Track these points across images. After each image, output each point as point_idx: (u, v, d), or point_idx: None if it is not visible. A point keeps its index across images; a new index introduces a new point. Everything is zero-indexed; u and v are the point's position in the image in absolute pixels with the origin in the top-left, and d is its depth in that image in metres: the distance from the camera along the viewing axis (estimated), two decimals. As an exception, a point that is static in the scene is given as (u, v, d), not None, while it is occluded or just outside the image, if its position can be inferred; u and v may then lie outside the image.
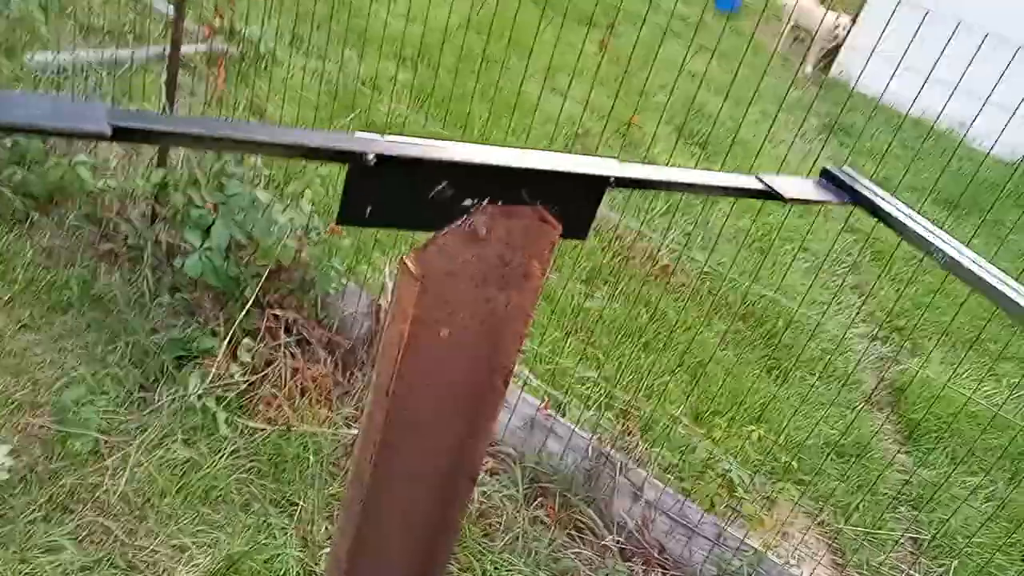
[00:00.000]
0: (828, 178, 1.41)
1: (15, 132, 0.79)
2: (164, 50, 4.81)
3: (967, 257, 1.20)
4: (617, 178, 1.15)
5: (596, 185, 1.16)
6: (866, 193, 1.35)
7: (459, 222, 1.07)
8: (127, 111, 0.95)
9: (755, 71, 7.85)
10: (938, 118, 3.28)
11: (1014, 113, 2.70)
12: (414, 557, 1.39)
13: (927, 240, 1.24)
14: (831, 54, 10.45)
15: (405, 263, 1.08)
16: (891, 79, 2.81)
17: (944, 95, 2.88)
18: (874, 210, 1.32)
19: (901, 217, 1.28)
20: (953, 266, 1.18)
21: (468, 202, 1.08)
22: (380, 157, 0.98)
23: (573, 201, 1.16)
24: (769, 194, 1.29)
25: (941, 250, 1.21)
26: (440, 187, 1.06)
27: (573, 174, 1.14)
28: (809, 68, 10.25)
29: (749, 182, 1.29)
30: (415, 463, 1.28)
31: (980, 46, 2.63)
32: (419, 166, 1.03)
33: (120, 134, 0.85)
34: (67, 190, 3.66)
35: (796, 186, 1.33)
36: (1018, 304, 1.12)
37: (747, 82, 3.40)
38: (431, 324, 1.14)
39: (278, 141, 0.95)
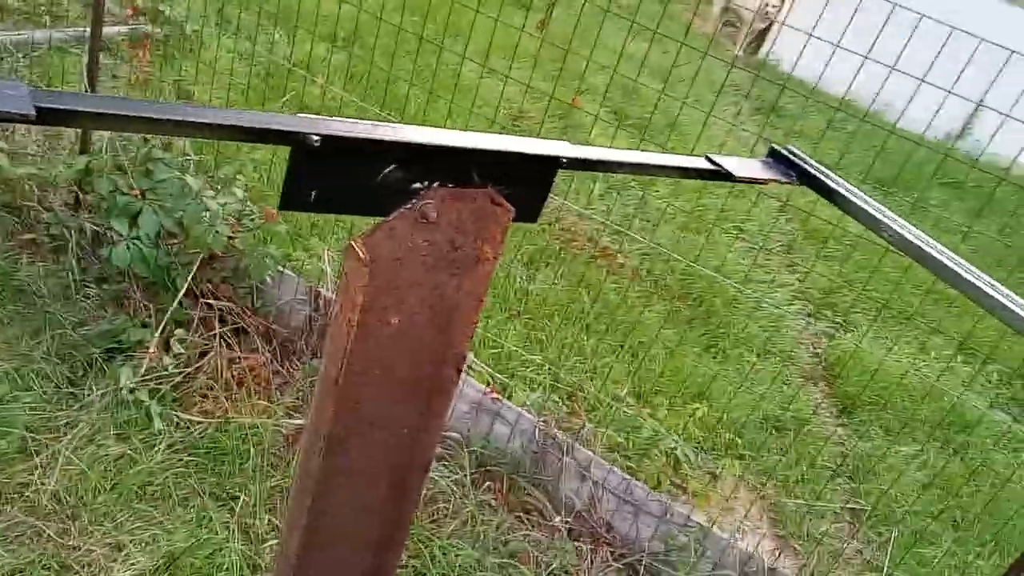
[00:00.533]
0: (775, 157, 1.41)
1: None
2: (84, 31, 4.62)
3: (912, 234, 1.21)
4: (569, 159, 1.13)
5: (548, 166, 1.14)
6: (814, 172, 1.35)
7: (408, 206, 1.04)
8: (52, 92, 0.89)
9: (688, 55, 7.92)
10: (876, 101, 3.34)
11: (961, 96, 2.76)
12: (367, 551, 1.36)
13: (875, 218, 1.25)
14: (761, 36, 10.62)
15: (353, 248, 1.04)
16: (805, 58, 2.85)
17: (871, 75, 2.93)
18: (822, 189, 1.33)
19: (849, 196, 1.29)
20: (901, 242, 1.19)
21: (417, 185, 1.04)
22: (324, 139, 0.94)
23: (524, 183, 1.13)
24: (719, 174, 1.29)
25: (890, 227, 1.21)
26: (388, 170, 1.02)
27: (525, 155, 1.11)
28: (739, 51, 10.39)
29: (699, 163, 1.29)
30: (366, 456, 1.25)
31: (915, 27, 2.69)
32: (366, 148, 0.99)
33: (46, 116, 0.79)
34: (-17, 178, 3.49)
35: (745, 166, 1.33)
36: (960, 275, 1.13)
37: (681, 66, 3.41)
38: (380, 312, 1.10)
39: (216, 122, 0.90)
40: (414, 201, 1.04)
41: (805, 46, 3.02)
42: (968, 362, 4.94)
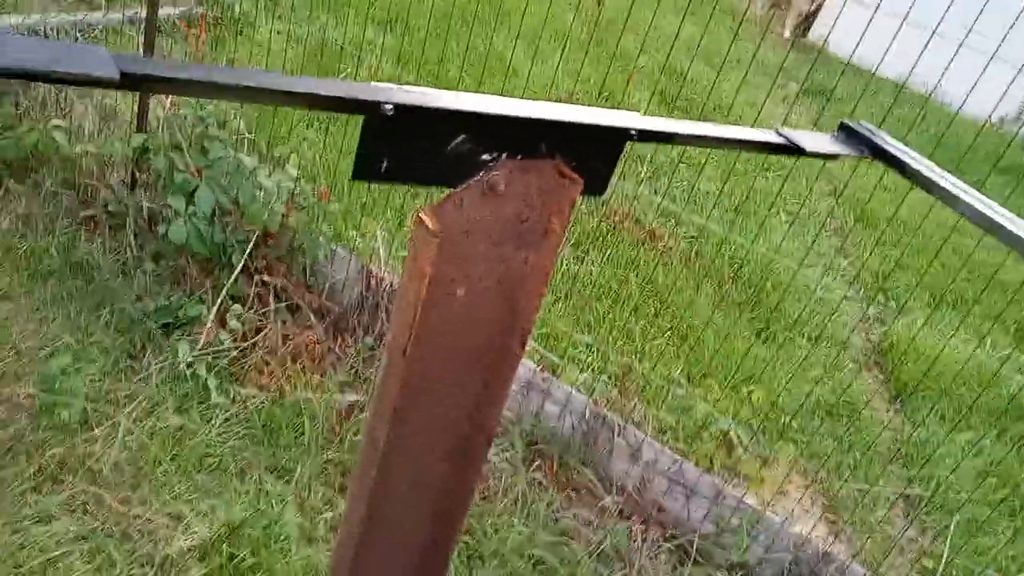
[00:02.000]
0: (845, 131, 1.38)
1: (16, 76, 0.74)
2: (136, 14, 4.68)
3: (995, 211, 1.18)
4: (639, 130, 1.12)
5: (616, 138, 1.12)
6: (885, 147, 1.32)
7: (477, 177, 1.03)
8: (135, 57, 0.90)
9: (736, 39, 7.80)
10: (936, 87, 3.25)
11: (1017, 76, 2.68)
12: (430, 522, 1.37)
13: (952, 192, 1.21)
14: (809, 19, 10.42)
15: (422, 219, 1.04)
16: (861, 41, 2.77)
17: (926, 59, 2.85)
18: (896, 163, 1.29)
19: (924, 170, 1.26)
20: (981, 219, 1.16)
21: (486, 156, 1.04)
22: (398, 107, 0.94)
23: (592, 155, 1.12)
24: (788, 148, 1.26)
25: (969, 204, 1.18)
26: (458, 140, 1.02)
27: (593, 126, 1.10)
28: (787, 32, 10.21)
29: (768, 136, 1.26)
30: (431, 426, 1.25)
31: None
32: (437, 117, 0.98)
33: (129, 80, 0.80)
34: (42, 156, 3.56)
35: (815, 140, 1.30)
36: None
37: (726, 48, 3.36)
38: (447, 283, 1.10)
39: (293, 90, 0.90)
40: (482, 173, 1.04)
41: (867, 28, 2.95)
42: (1025, 350, 4.82)
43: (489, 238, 1.09)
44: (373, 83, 0.97)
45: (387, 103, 0.93)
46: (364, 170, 0.99)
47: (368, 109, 0.94)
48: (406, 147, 1.00)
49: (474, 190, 1.04)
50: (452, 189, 1.03)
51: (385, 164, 1.00)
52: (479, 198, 1.05)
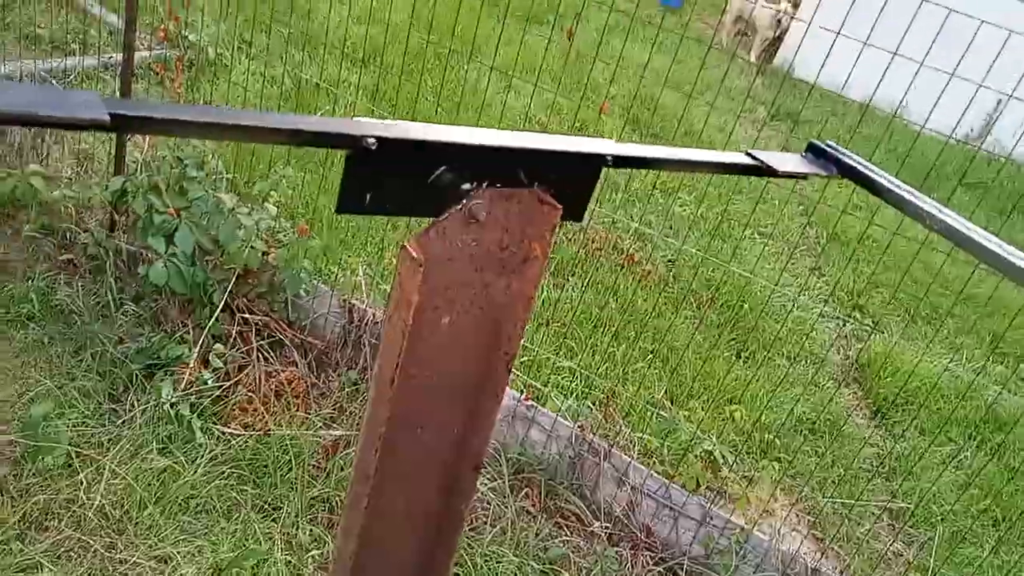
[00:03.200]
0: (814, 152, 1.43)
1: (7, 122, 0.75)
2: (111, 58, 4.71)
3: (961, 223, 1.22)
4: (614, 156, 1.15)
5: (593, 164, 1.16)
6: (853, 164, 1.37)
7: (459, 207, 1.06)
8: (123, 100, 0.92)
9: (704, 67, 7.94)
10: (902, 106, 3.34)
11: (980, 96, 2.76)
12: (422, 551, 1.37)
13: (918, 207, 1.25)
14: (774, 44, 10.63)
15: (407, 248, 1.06)
16: (826, 63, 2.84)
17: (890, 79, 2.92)
18: (863, 180, 1.34)
19: (891, 186, 1.30)
20: (948, 231, 1.20)
21: (467, 186, 1.07)
22: (380, 140, 0.96)
23: (570, 182, 1.15)
24: (760, 169, 1.30)
25: (935, 216, 1.22)
26: (439, 171, 1.04)
27: (570, 153, 1.13)
28: (753, 58, 10.40)
29: (740, 158, 1.30)
30: (420, 456, 1.26)
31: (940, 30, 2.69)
32: (419, 149, 1.01)
33: (119, 122, 0.82)
34: (20, 202, 3.56)
35: (785, 161, 1.34)
36: (1010, 262, 1.13)
37: (694, 75, 3.42)
38: (433, 312, 1.12)
39: (280, 127, 0.93)
40: (464, 202, 1.07)
41: (831, 50, 3.03)
42: (1001, 362, 4.90)
43: (472, 266, 1.12)
44: (356, 118, 0.99)
45: (370, 136, 0.96)
46: (348, 203, 1.02)
47: (351, 143, 0.96)
48: (389, 179, 1.02)
49: (456, 219, 1.07)
50: (435, 219, 1.05)
51: (369, 196, 1.02)
52: (461, 227, 1.08)
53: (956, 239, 1.20)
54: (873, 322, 4.97)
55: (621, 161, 1.17)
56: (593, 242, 4.72)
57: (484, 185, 1.07)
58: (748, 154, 1.31)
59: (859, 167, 1.35)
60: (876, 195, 1.32)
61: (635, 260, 4.62)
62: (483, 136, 1.05)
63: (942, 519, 3.46)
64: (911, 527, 3.41)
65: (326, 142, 0.99)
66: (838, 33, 2.72)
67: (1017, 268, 1.11)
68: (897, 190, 1.29)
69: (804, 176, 1.40)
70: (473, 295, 1.15)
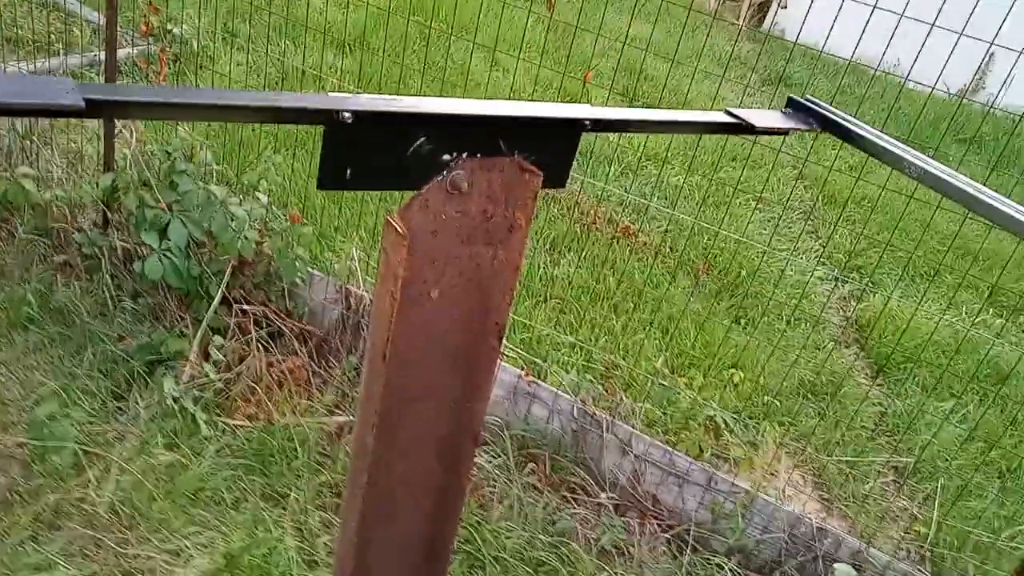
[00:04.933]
0: (794, 107, 1.43)
1: (-15, 113, 0.76)
2: (95, 56, 4.70)
3: (937, 168, 1.22)
4: (592, 120, 1.15)
5: (571, 129, 1.16)
6: (834, 118, 1.37)
7: (440, 178, 1.06)
8: (98, 85, 0.92)
9: (691, 33, 7.90)
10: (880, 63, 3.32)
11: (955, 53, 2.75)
12: (424, 524, 1.39)
13: (898, 155, 1.26)
14: (763, 8, 10.57)
15: (391, 222, 1.06)
16: (817, 25, 2.83)
17: (878, 36, 2.90)
18: (843, 133, 1.34)
19: (871, 137, 1.30)
20: (926, 177, 1.21)
21: (447, 157, 1.07)
22: (356, 114, 0.96)
23: (550, 148, 1.15)
24: (739, 127, 1.30)
25: (913, 163, 1.23)
26: (418, 143, 1.05)
27: (548, 119, 1.13)
28: (743, 24, 10.34)
29: (720, 117, 1.30)
30: (417, 429, 1.28)
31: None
32: (395, 121, 1.01)
33: (95, 107, 0.82)
34: (12, 205, 3.56)
35: (765, 117, 1.34)
36: (990, 205, 1.14)
37: (685, 43, 3.40)
38: (421, 285, 1.13)
39: (254, 104, 0.93)
40: (445, 173, 1.07)
41: (808, 10, 3.01)
42: (999, 314, 4.91)
43: (457, 237, 1.12)
44: (331, 93, 1.00)
45: (345, 111, 0.96)
46: (328, 179, 1.02)
47: (328, 118, 0.97)
48: (367, 153, 1.03)
49: (438, 190, 1.07)
50: (417, 191, 1.06)
51: (349, 171, 1.03)
52: (444, 198, 1.08)
53: (934, 184, 1.21)
54: (871, 281, 4.98)
55: (599, 125, 1.17)
56: (587, 216, 4.72)
57: (464, 155, 1.07)
58: (727, 112, 1.31)
59: (839, 120, 1.36)
60: (856, 147, 1.32)
61: (630, 232, 4.62)
62: (460, 106, 1.05)
63: (946, 473, 3.48)
64: (915, 482, 3.44)
65: (302, 118, 0.99)
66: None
67: (996, 210, 1.12)
68: (876, 140, 1.29)
69: (785, 132, 1.40)
70: (460, 266, 1.15)
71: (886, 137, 1.32)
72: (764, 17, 10.50)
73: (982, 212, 1.16)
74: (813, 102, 1.41)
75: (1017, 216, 1.12)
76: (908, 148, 1.29)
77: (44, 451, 2.68)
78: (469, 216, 1.11)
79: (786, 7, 10.06)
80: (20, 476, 2.66)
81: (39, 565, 2.45)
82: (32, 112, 0.79)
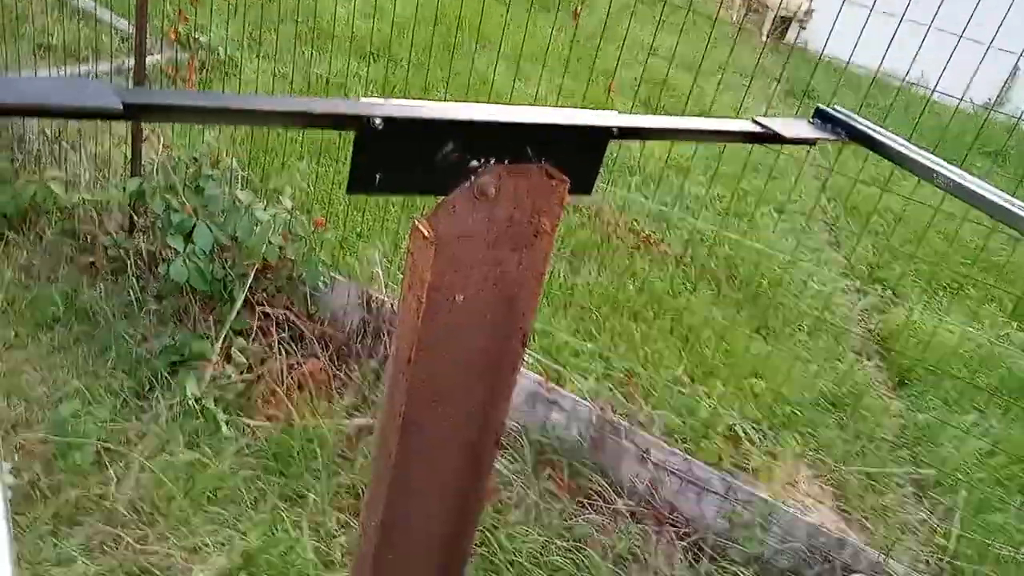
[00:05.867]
0: (822, 117, 1.43)
1: (22, 113, 0.77)
2: (123, 63, 4.76)
3: (968, 179, 1.22)
4: (620, 128, 1.15)
5: (599, 137, 1.16)
6: (861, 128, 1.37)
7: (467, 184, 1.07)
8: (135, 89, 0.94)
9: (714, 45, 7.89)
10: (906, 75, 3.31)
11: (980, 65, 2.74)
12: (445, 525, 1.39)
13: (927, 167, 1.26)
14: (787, 21, 10.54)
15: (418, 228, 1.07)
16: (844, 38, 2.83)
17: (902, 50, 2.88)
18: (871, 143, 1.34)
19: (899, 148, 1.30)
20: (956, 188, 1.20)
21: (475, 163, 1.08)
22: (387, 120, 0.97)
23: (577, 156, 1.15)
24: (767, 136, 1.30)
25: (943, 175, 1.22)
26: (447, 149, 1.05)
27: (575, 127, 1.14)
28: (765, 37, 10.32)
29: (747, 126, 1.30)
30: (440, 431, 1.28)
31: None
32: (425, 127, 1.02)
33: (131, 111, 0.83)
34: (41, 207, 3.62)
35: (792, 127, 1.34)
36: (1021, 216, 1.14)
37: (708, 54, 3.41)
38: (446, 289, 1.13)
39: (287, 110, 0.94)
40: (472, 179, 1.07)
41: (835, 22, 3.00)
42: (1022, 328, 4.86)
43: (483, 242, 1.13)
44: (362, 99, 1.01)
45: (376, 117, 0.97)
46: (358, 183, 1.03)
47: (359, 124, 0.98)
48: (397, 158, 1.04)
49: (465, 196, 1.08)
50: (444, 197, 1.07)
51: (378, 177, 1.04)
52: (471, 204, 1.09)
53: (966, 196, 1.21)
54: (894, 293, 4.94)
55: (626, 132, 1.17)
56: (608, 224, 4.72)
57: (492, 161, 1.08)
58: (755, 121, 1.31)
59: (868, 131, 1.35)
60: (885, 157, 1.32)
61: (651, 241, 4.62)
62: (489, 112, 1.06)
63: (967, 487, 3.44)
64: (936, 495, 3.41)
65: (334, 123, 1.00)
66: (841, 5, 2.71)
67: (1025, 220, 1.11)
68: (906, 151, 1.29)
69: (813, 142, 1.40)
70: (486, 271, 1.16)
71: (915, 148, 1.32)
72: (787, 30, 10.47)
73: (1011, 222, 1.15)
74: (841, 112, 1.41)
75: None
76: (937, 159, 1.28)
77: (67, 448, 2.72)
78: (495, 222, 1.12)
79: (805, 28, 10.03)
80: (42, 472, 2.69)
81: (59, 559, 2.48)
82: (71, 114, 0.80)
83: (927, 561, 3.00)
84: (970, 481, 3.47)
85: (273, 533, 2.63)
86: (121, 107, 0.81)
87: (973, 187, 1.18)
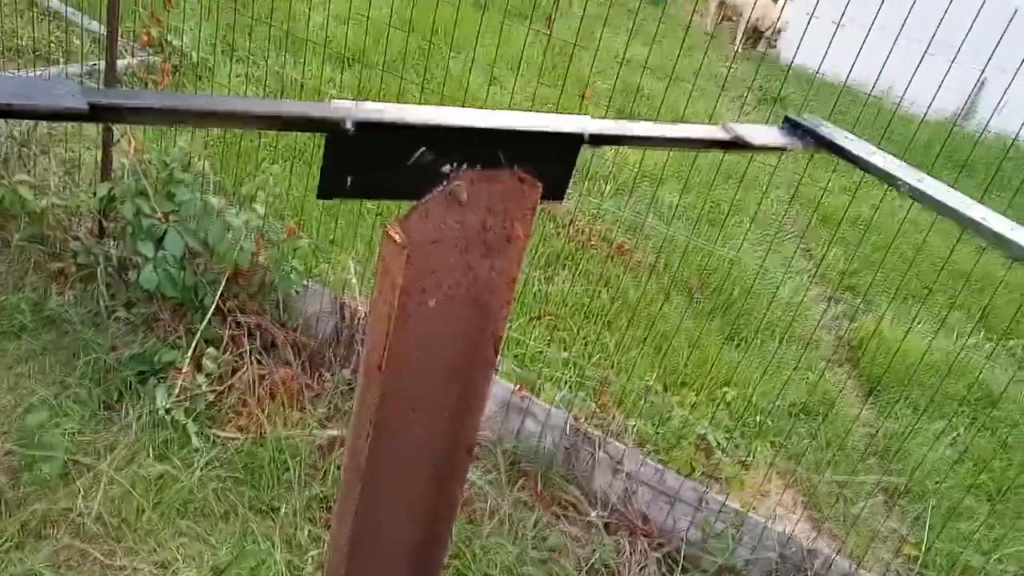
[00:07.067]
0: (790, 124, 1.44)
1: (-1, 114, 0.76)
2: (94, 66, 4.70)
3: (930, 184, 1.23)
4: (591, 135, 1.15)
5: (571, 142, 1.16)
6: (829, 135, 1.38)
7: (440, 188, 1.06)
8: (102, 89, 0.92)
9: (688, 53, 7.96)
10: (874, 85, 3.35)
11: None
12: (417, 535, 1.38)
13: (891, 173, 1.27)
14: (758, 30, 10.66)
15: (389, 233, 1.06)
16: (815, 49, 2.86)
17: (873, 59, 2.91)
18: (838, 150, 1.35)
19: (864, 154, 1.31)
20: (918, 195, 1.21)
21: (447, 168, 1.07)
22: (358, 124, 0.97)
23: (549, 161, 1.15)
24: (736, 143, 1.31)
25: (905, 181, 1.24)
26: (418, 153, 1.05)
27: (548, 132, 1.13)
28: (739, 46, 10.43)
29: (717, 132, 1.31)
30: (412, 440, 1.27)
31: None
32: (397, 131, 1.01)
33: (98, 111, 0.82)
34: (9, 212, 3.56)
35: (761, 134, 1.35)
36: (981, 223, 1.15)
37: (682, 63, 3.43)
38: (418, 294, 1.13)
39: (258, 112, 0.94)
40: (444, 183, 1.07)
41: (804, 33, 3.04)
42: (989, 337, 4.93)
43: (456, 247, 1.13)
44: (333, 102, 1.00)
45: (348, 120, 0.97)
46: (329, 188, 1.02)
47: (329, 127, 0.97)
48: (368, 162, 1.03)
49: (438, 201, 1.07)
50: (417, 202, 1.06)
51: (350, 180, 1.03)
52: (443, 208, 1.08)
53: (931, 203, 1.22)
54: (864, 301, 5.00)
55: (598, 139, 1.17)
56: (582, 233, 4.73)
57: (464, 166, 1.08)
58: (724, 127, 1.32)
59: (835, 138, 1.37)
60: (852, 164, 1.33)
61: (624, 250, 4.63)
62: (461, 116, 1.06)
63: (936, 495, 3.48)
64: (906, 503, 3.44)
65: (304, 126, 1.00)
66: (810, 16, 2.74)
67: (988, 229, 1.13)
68: (870, 158, 1.30)
69: (781, 149, 1.41)
70: (458, 277, 1.15)
71: (881, 154, 1.33)
72: (759, 38, 10.59)
73: (971, 227, 1.16)
74: (810, 120, 1.42)
75: (1005, 234, 1.13)
76: (904, 166, 1.30)
77: (33, 460, 2.67)
78: (468, 227, 1.11)
79: (774, 46, 10.15)
80: (7, 485, 2.64)
81: (24, 574, 2.43)
82: (34, 115, 0.79)
83: (898, 571, 3.03)
84: (939, 489, 3.51)
85: (244, 546, 2.60)
86: (87, 107, 0.80)
87: (939, 195, 1.20)
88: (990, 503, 3.57)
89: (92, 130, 3.93)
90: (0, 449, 2.75)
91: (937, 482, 3.56)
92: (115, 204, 3.18)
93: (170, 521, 2.66)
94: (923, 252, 5.08)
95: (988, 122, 3.65)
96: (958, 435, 3.96)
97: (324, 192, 1.02)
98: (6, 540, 2.49)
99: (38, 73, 4.44)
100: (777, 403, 3.76)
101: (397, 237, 1.06)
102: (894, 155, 1.36)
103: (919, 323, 4.74)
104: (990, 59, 2.68)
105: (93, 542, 2.56)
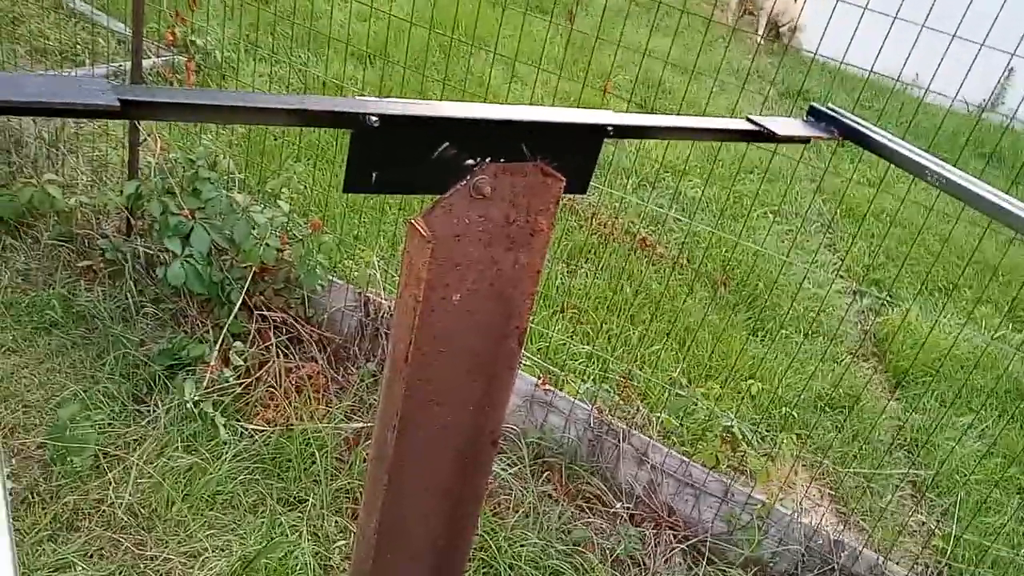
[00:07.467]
0: (815, 115, 1.43)
1: (19, 111, 0.77)
2: (120, 66, 4.76)
3: (960, 176, 1.22)
4: (615, 127, 1.16)
5: (594, 135, 1.17)
6: (855, 125, 1.37)
7: (463, 182, 1.07)
8: (132, 86, 0.94)
9: (709, 48, 7.92)
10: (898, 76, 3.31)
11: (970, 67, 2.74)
12: (442, 527, 1.39)
13: (920, 164, 1.26)
14: (780, 23, 10.56)
15: (414, 226, 1.07)
16: (838, 40, 2.83)
17: (897, 51, 2.88)
18: (864, 141, 1.34)
19: (891, 145, 1.31)
20: (949, 185, 1.21)
21: (470, 161, 1.08)
22: (383, 119, 0.97)
23: (572, 154, 1.16)
24: (761, 134, 1.30)
25: (935, 172, 1.23)
26: (442, 147, 1.06)
27: (571, 125, 1.14)
28: (760, 39, 10.34)
29: (741, 124, 1.31)
30: (437, 432, 1.28)
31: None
32: (421, 126, 1.02)
33: (129, 108, 0.83)
34: (38, 211, 3.62)
35: (786, 125, 1.35)
36: (1014, 213, 1.14)
37: (703, 57, 3.41)
38: (443, 288, 1.13)
39: (284, 107, 0.95)
40: (468, 177, 1.08)
41: (828, 23, 3.01)
42: (1018, 329, 4.87)
43: (480, 241, 1.13)
44: (358, 97, 1.01)
45: (372, 115, 0.97)
46: (354, 182, 1.03)
47: (355, 122, 0.98)
48: (393, 157, 1.04)
49: (462, 195, 1.08)
50: (441, 196, 1.07)
51: (375, 175, 1.04)
52: (467, 202, 1.09)
53: (958, 193, 1.21)
54: (890, 295, 4.95)
55: (621, 131, 1.18)
56: (605, 227, 4.73)
57: (488, 160, 1.08)
58: (749, 119, 1.32)
59: (860, 128, 1.36)
60: (877, 155, 1.33)
61: (648, 243, 4.62)
62: (484, 111, 1.06)
63: (964, 489, 3.45)
64: (934, 497, 3.41)
65: (330, 121, 1.01)
66: (833, 8, 2.71)
67: (1019, 217, 1.12)
68: (898, 148, 1.30)
69: (806, 140, 1.40)
70: (482, 270, 1.16)
71: (908, 145, 1.32)
72: (780, 32, 10.50)
73: (1000, 217, 1.15)
74: (834, 111, 1.42)
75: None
76: (930, 156, 1.29)
77: (65, 453, 2.71)
78: (492, 221, 1.12)
79: (796, 38, 10.04)
80: (40, 477, 2.69)
81: (57, 565, 2.47)
82: (67, 112, 0.80)
83: (925, 564, 3.00)
84: (967, 483, 3.47)
85: (272, 537, 2.63)
86: (118, 104, 0.81)
87: (967, 184, 1.19)
88: (1020, 496, 3.53)
89: (119, 130, 3.98)
90: (32, 443, 2.80)
91: (965, 475, 3.52)
92: (142, 202, 3.22)
93: (199, 512, 2.70)
94: (949, 245, 5.03)
95: (1016, 112, 3.60)
96: (986, 428, 3.91)
97: (349, 186, 1.03)
98: (40, 531, 2.54)
99: (66, 74, 4.49)
100: (802, 396, 3.74)
101: (422, 231, 1.07)
102: (919, 146, 1.35)
103: (945, 316, 4.70)
104: (1017, 48, 2.64)
105: (124, 533, 2.60)
